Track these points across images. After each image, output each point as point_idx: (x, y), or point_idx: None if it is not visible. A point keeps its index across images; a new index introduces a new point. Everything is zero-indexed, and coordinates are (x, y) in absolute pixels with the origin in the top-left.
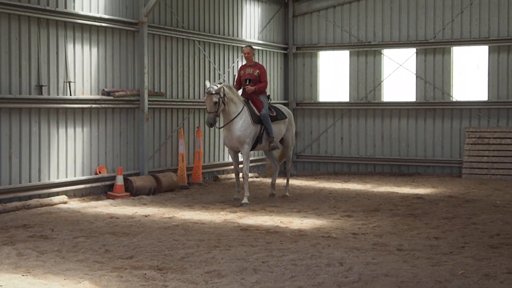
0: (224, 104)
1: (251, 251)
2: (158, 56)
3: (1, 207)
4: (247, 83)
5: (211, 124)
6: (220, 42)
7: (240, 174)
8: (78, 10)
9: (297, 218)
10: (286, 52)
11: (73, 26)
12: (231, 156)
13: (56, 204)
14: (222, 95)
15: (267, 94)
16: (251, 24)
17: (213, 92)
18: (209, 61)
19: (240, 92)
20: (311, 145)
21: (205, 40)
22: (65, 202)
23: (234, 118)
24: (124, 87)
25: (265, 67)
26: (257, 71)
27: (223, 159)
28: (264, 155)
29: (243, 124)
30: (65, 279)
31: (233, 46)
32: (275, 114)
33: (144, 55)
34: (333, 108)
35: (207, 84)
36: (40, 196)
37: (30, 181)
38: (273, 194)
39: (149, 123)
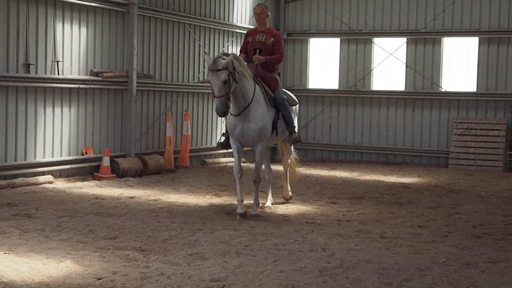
0: (236, 82)
1: (234, 234)
2: (147, 38)
3: None
4: (257, 53)
5: (224, 113)
6: (211, 26)
7: (238, 175)
8: None
9: (282, 204)
10: None
11: (62, 5)
12: (233, 149)
13: (41, 183)
14: (231, 69)
15: (278, 72)
16: (243, 8)
17: (220, 68)
18: (199, 45)
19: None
20: (299, 131)
21: (195, 23)
22: (50, 182)
23: (251, 102)
24: (112, 68)
25: (280, 34)
26: (271, 38)
27: (211, 143)
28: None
29: (262, 110)
30: (47, 258)
31: (224, 30)
32: (286, 97)
33: (134, 37)
34: (322, 95)
35: (208, 57)
36: (25, 175)
37: (15, 160)
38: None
39: (137, 105)
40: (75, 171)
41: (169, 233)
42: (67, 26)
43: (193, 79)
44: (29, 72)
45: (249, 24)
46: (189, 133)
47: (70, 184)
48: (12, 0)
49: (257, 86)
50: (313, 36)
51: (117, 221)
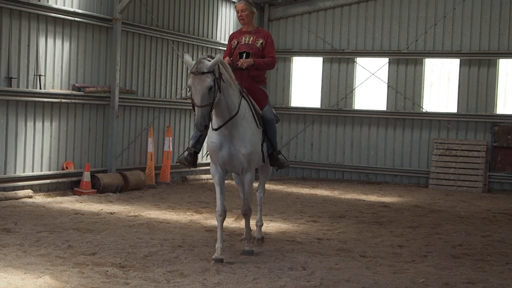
0: (220, 91)
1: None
2: (131, 53)
3: None
4: (243, 58)
5: (206, 126)
6: (194, 43)
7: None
8: (51, 3)
9: (263, 221)
10: None
11: (46, 19)
12: (216, 180)
13: (21, 198)
14: (217, 75)
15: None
16: (226, 25)
17: (205, 71)
18: (183, 61)
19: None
20: (281, 149)
21: (179, 40)
22: (30, 197)
23: (235, 115)
24: (95, 83)
25: (271, 35)
26: (260, 40)
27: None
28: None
29: (251, 130)
30: (25, 273)
31: (207, 47)
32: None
33: (117, 52)
34: (304, 114)
35: (189, 58)
36: (4, 189)
37: None
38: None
39: (119, 121)
40: (55, 185)
41: (149, 250)
42: (50, 40)
43: (176, 95)
44: (11, 86)
45: None
46: (171, 149)
47: (50, 199)
48: None
49: (243, 100)
50: (296, 55)
51: (97, 237)
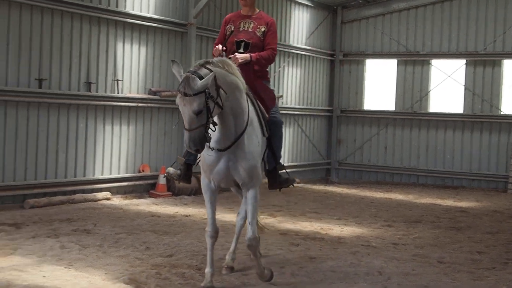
0: (221, 107)
1: (289, 255)
2: (205, 57)
3: (47, 201)
4: (241, 49)
5: (198, 150)
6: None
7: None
8: (129, 9)
9: (337, 225)
10: (332, 59)
11: (123, 25)
12: (207, 197)
13: (99, 200)
14: (213, 92)
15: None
16: (299, 29)
17: (194, 92)
18: None
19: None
20: (354, 153)
21: None
22: (108, 199)
23: (245, 128)
24: (170, 87)
25: (275, 22)
26: (262, 27)
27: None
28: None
29: (257, 140)
30: (106, 273)
31: (280, 51)
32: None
33: (192, 56)
34: (378, 117)
35: (177, 69)
36: (84, 191)
37: (75, 176)
38: (231, 266)
39: None
40: (132, 188)
41: (224, 252)
42: (127, 45)
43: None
44: (90, 91)
45: (305, 45)
46: None
47: (127, 201)
48: (76, 20)
49: (249, 103)
50: (369, 57)
51: (173, 239)
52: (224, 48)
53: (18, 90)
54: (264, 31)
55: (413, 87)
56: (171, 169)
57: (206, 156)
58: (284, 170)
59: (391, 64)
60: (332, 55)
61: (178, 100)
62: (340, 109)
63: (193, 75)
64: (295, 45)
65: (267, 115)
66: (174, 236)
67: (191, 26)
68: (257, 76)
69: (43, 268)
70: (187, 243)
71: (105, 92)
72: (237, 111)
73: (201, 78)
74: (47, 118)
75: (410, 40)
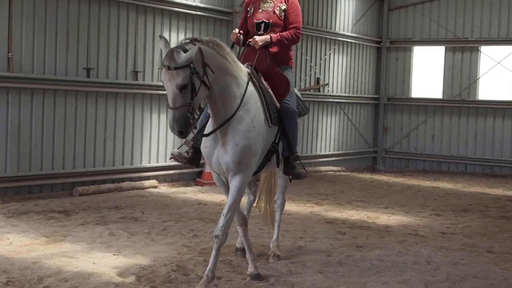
0: (208, 88)
1: (336, 244)
2: None
3: (95, 188)
4: (260, 30)
5: (181, 132)
6: (313, 34)
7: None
8: None
9: (384, 214)
10: (379, 46)
11: (169, 13)
12: (221, 189)
13: (146, 188)
14: (199, 67)
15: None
16: (345, 16)
17: (178, 65)
18: (301, 53)
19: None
20: (401, 141)
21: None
22: (155, 187)
23: (234, 113)
24: None
25: (298, 1)
26: (282, 5)
27: (311, 152)
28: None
29: (251, 124)
30: (154, 260)
31: (326, 38)
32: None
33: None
34: (425, 105)
35: (164, 44)
36: (131, 179)
37: (122, 165)
38: (277, 254)
39: None
40: (179, 176)
41: (271, 240)
42: (173, 34)
43: (295, 87)
44: (137, 79)
45: (351, 32)
46: None
47: (173, 189)
48: (122, 9)
49: (253, 89)
50: (416, 44)
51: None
52: (241, 31)
53: (67, 79)
54: (284, 9)
55: (461, 74)
56: (175, 151)
57: (203, 149)
58: (298, 161)
59: (438, 51)
60: (378, 43)
61: (162, 76)
62: (386, 97)
63: (178, 49)
64: (342, 32)
65: (277, 104)
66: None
67: (236, 14)
68: (277, 61)
69: (93, 254)
70: (233, 231)
71: (152, 81)
72: (226, 97)
73: (186, 51)
74: (95, 107)
75: (459, 26)
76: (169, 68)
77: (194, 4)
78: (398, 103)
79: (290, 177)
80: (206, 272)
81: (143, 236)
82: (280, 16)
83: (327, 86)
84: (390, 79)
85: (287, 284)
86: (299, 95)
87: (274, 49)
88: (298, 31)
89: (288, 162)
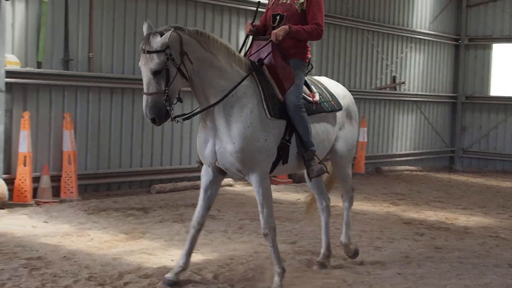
0: (187, 79)
1: (414, 245)
2: (326, 44)
3: (172, 186)
4: (275, 23)
5: (154, 120)
6: (390, 32)
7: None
8: None
9: (463, 215)
10: (457, 44)
11: (245, 13)
12: (201, 185)
13: (222, 186)
14: (177, 54)
15: (308, 59)
16: (423, 13)
17: (152, 49)
18: (377, 51)
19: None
20: (480, 140)
21: (374, 29)
22: (230, 185)
23: (222, 99)
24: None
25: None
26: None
27: (387, 151)
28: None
29: (246, 120)
30: (231, 258)
31: (403, 36)
32: (317, 100)
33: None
34: (505, 103)
35: (145, 26)
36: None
37: None
38: (322, 262)
39: None
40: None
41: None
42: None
43: (371, 86)
44: None
45: (429, 30)
46: (365, 140)
47: (249, 188)
48: (199, 8)
49: (250, 84)
50: (496, 42)
51: (296, 226)
52: (255, 23)
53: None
54: (302, 2)
55: None
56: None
57: (197, 139)
58: (314, 158)
59: None
60: (456, 40)
61: (139, 63)
62: (465, 96)
63: (155, 34)
64: (418, 30)
65: (280, 96)
66: (297, 223)
67: None
68: (288, 54)
69: (171, 251)
70: (310, 230)
71: None
72: (208, 91)
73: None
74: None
75: None
76: (143, 51)
77: None
78: (477, 102)
79: (309, 176)
80: (275, 269)
81: (220, 234)
82: (297, 10)
83: (403, 84)
84: (469, 77)
85: (365, 285)
86: (328, 85)
87: (286, 43)
88: (319, 27)
89: (304, 159)
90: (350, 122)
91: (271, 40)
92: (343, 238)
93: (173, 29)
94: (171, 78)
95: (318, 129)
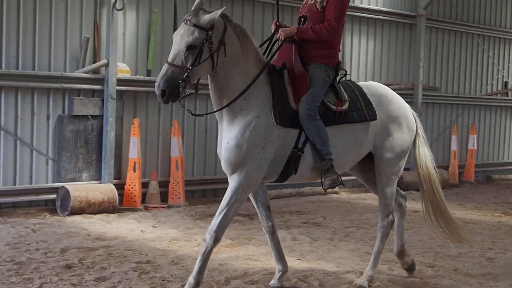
0: (214, 63)
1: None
2: (434, 49)
3: (277, 193)
4: (300, 24)
5: (163, 92)
6: (501, 36)
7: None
8: (357, 3)
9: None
10: None
11: (351, 18)
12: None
13: (328, 193)
14: (215, 39)
15: (338, 62)
16: None
17: (197, 23)
18: (488, 56)
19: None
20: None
21: (485, 33)
22: (336, 192)
23: (236, 99)
24: (398, 80)
25: None
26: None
27: (497, 159)
28: None
29: (249, 125)
30: (337, 266)
31: None
32: (345, 108)
33: (421, 48)
34: None
35: (196, 1)
36: (312, 184)
37: None
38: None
39: (421, 118)
40: (359, 182)
41: (458, 250)
42: (355, 39)
43: (481, 91)
44: None
45: None
46: (475, 147)
47: (354, 195)
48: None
49: (263, 87)
50: None
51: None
52: (278, 22)
53: None
54: (322, 2)
55: None
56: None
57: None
58: (330, 169)
59: None
60: None
61: (176, 32)
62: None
63: (206, 11)
64: None
65: (293, 103)
66: (405, 232)
67: (420, 18)
68: (309, 56)
69: None
70: (418, 239)
71: None
72: (224, 93)
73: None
74: None
75: None
76: (187, 22)
77: (376, 8)
78: None
79: (323, 187)
80: (189, 278)
81: (325, 241)
82: (319, 10)
83: None
84: None
85: None
86: (367, 89)
87: (310, 44)
88: (330, 26)
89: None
90: (400, 129)
91: (293, 42)
92: (367, 273)
93: (222, 15)
94: (201, 59)
95: (339, 140)
